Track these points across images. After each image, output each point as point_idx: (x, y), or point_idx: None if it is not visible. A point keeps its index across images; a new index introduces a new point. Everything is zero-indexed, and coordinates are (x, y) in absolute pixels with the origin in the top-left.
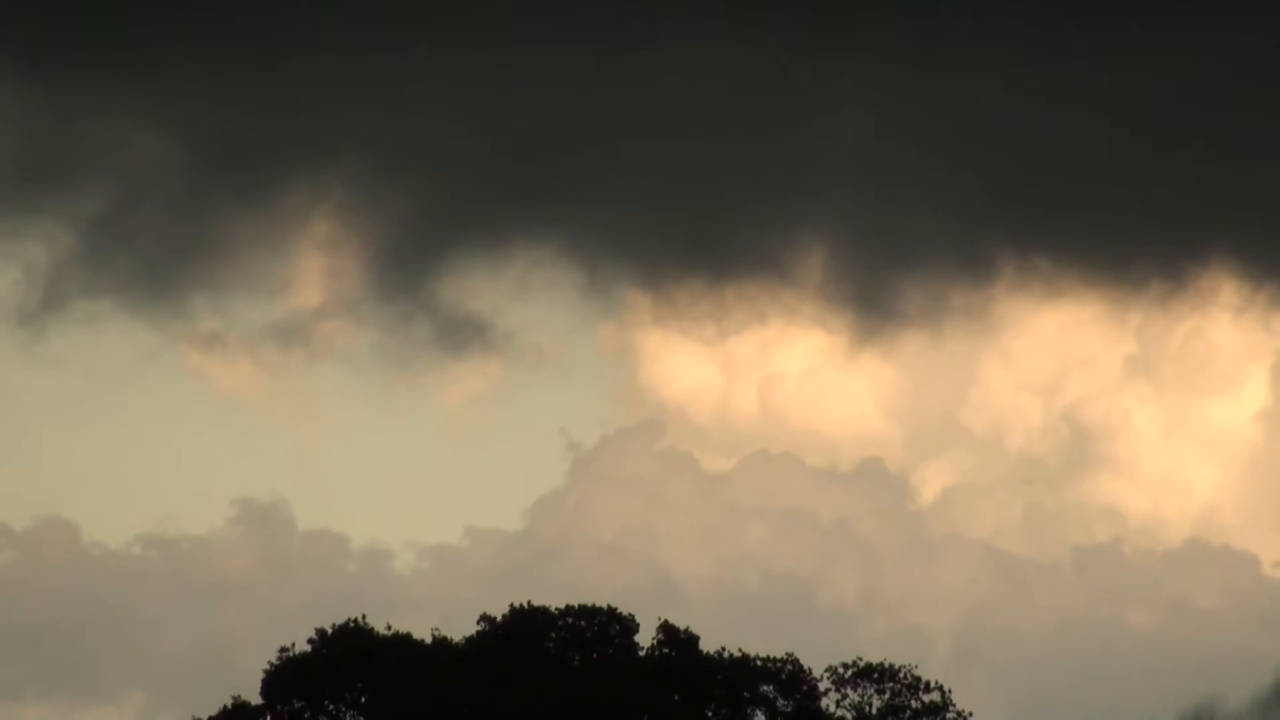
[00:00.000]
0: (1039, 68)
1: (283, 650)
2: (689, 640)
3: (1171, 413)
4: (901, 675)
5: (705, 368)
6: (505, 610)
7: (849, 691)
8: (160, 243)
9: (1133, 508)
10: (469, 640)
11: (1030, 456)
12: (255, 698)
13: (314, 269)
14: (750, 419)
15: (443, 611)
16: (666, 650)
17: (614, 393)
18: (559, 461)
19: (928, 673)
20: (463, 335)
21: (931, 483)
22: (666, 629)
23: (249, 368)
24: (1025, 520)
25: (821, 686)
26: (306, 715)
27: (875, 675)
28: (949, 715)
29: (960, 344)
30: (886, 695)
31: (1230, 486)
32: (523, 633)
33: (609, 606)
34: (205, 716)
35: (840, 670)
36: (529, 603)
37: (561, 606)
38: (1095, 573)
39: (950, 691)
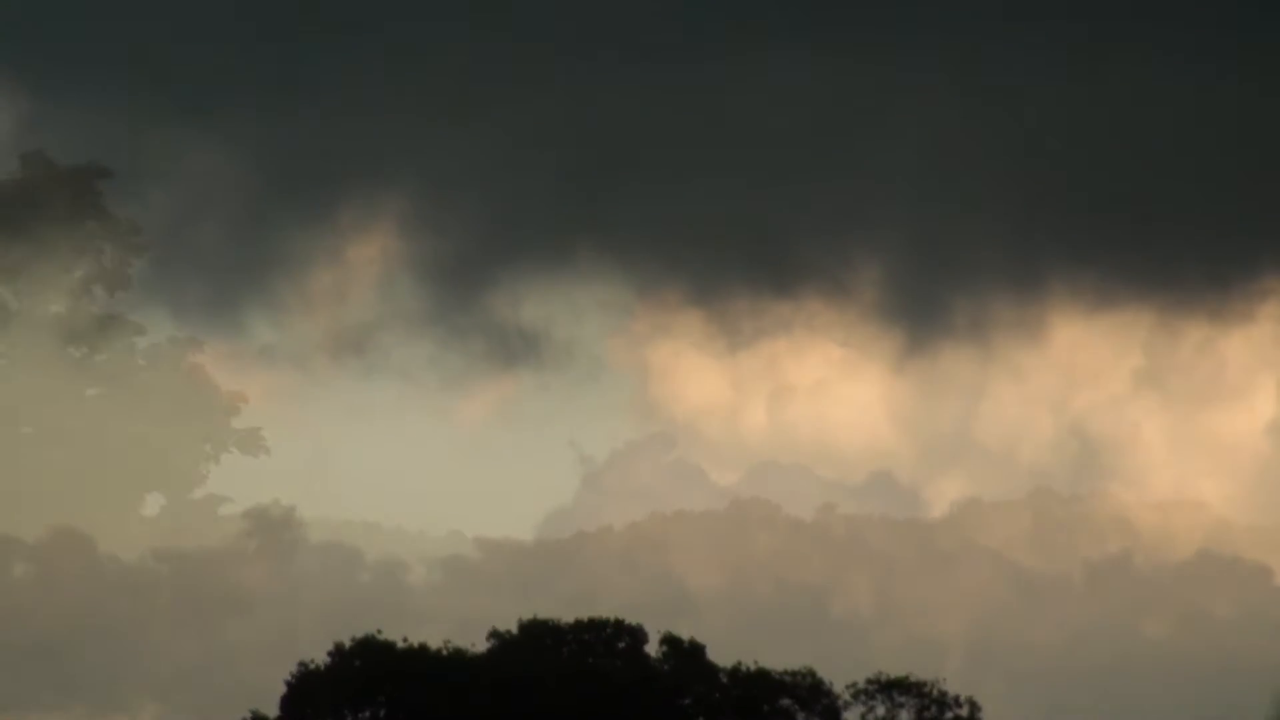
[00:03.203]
0: (1085, 80)
1: (300, 665)
2: (694, 649)
3: (1181, 424)
4: (929, 690)
5: (719, 380)
6: (514, 624)
7: (878, 705)
8: (217, 258)
9: (1143, 519)
10: (484, 654)
11: (1040, 469)
12: (270, 709)
13: (367, 284)
14: (762, 431)
15: (455, 623)
16: (673, 662)
17: (626, 404)
18: (570, 474)
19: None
20: (494, 353)
21: (943, 496)
22: (670, 640)
23: (284, 381)
24: (1036, 532)
25: (856, 710)
26: None
27: (904, 691)
28: None
29: (975, 358)
30: (916, 711)
31: (1241, 498)
32: (534, 645)
33: (616, 619)
34: None
35: (868, 686)
36: (535, 615)
37: (570, 621)
38: (1106, 585)
39: (980, 708)
